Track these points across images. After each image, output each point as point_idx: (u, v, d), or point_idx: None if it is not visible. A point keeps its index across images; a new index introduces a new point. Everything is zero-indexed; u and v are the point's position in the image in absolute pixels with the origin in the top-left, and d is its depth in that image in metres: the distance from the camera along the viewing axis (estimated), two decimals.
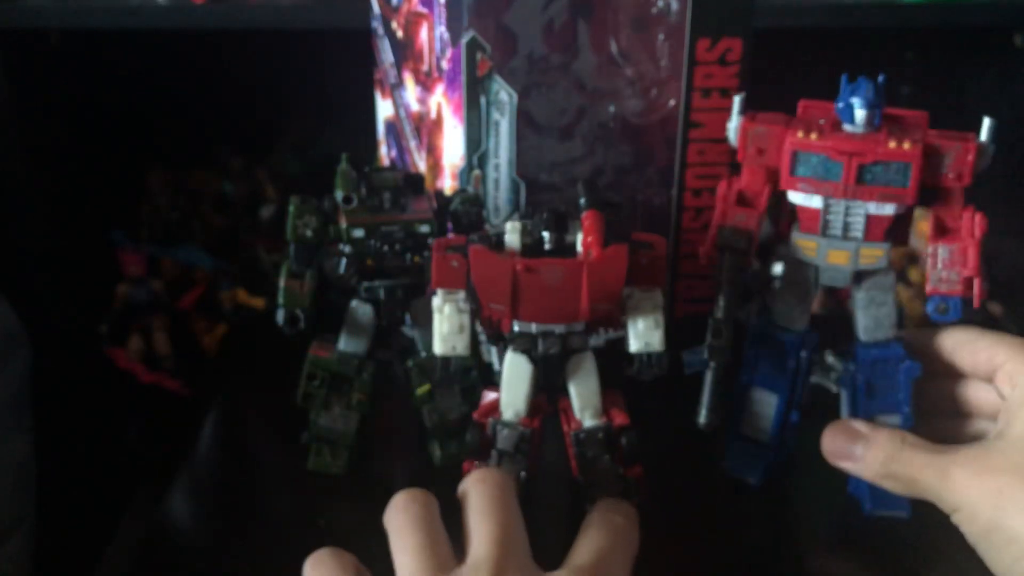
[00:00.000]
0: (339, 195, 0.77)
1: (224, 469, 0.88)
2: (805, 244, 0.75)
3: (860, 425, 0.73)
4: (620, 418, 0.74)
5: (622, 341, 0.73)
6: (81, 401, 1.42)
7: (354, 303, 0.82)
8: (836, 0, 1.23)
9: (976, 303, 0.74)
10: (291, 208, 0.79)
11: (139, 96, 1.55)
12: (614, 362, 0.74)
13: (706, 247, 0.76)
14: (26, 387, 1.10)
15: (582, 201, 0.74)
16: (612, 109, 0.87)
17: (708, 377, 0.76)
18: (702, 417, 0.76)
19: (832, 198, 0.73)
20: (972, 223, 0.73)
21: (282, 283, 0.79)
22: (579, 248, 0.70)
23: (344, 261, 0.79)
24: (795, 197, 0.74)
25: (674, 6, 0.84)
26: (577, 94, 0.86)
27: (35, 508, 1.09)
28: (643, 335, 0.72)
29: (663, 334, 0.72)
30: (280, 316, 0.79)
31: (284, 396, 0.84)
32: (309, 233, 0.79)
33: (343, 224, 0.78)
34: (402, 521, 0.61)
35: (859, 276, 0.76)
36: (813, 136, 0.72)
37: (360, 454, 0.84)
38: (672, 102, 0.86)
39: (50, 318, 1.32)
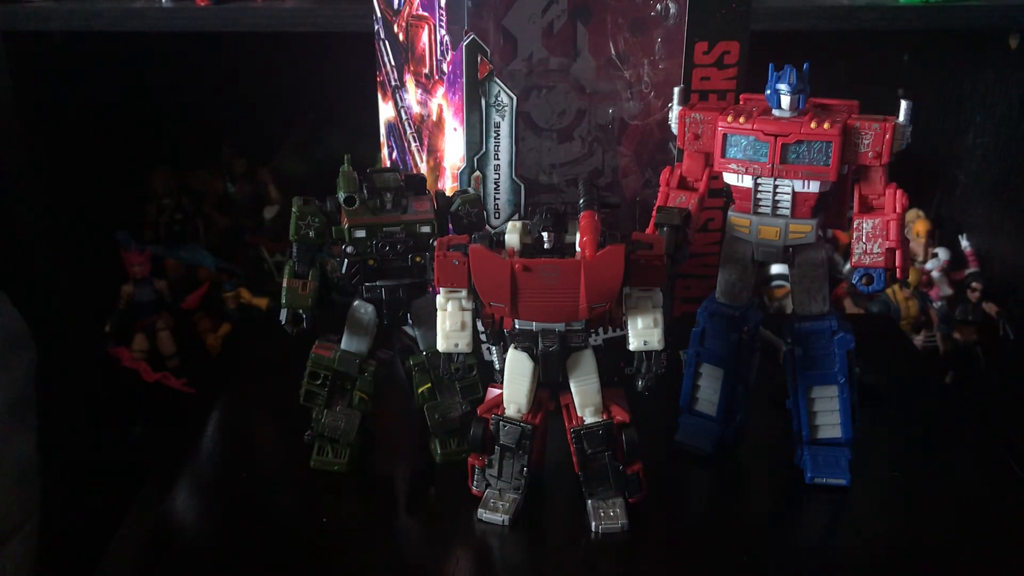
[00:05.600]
0: (341, 196, 0.78)
1: (228, 467, 0.89)
2: (739, 222, 0.80)
3: None
4: (620, 415, 0.75)
5: (623, 339, 0.74)
6: (85, 400, 1.43)
7: (356, 303, 0.83)
8: (833, 3, 1.24)
9: (899, 274, 0.77)
10: (294, 209, 0.80)
11: (143, 98, 1.56)
12: (614, 360, 0.75)
13: (649, 227, 0.80)
14: (31, 387, 1.11)
15: (581, 201, 0.75)
16: (611, 111, 0.88)
17: None
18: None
19: (761, 177, 0.77)
20: (894, 199, 0.76)
21: (285, 283, 0.80)
22: (578, 248, 0.71)
23: (346, 261, 0.80)
24: (728, 178, 0.79)
25: (672, 9, 0.85)
26: (576, 96, 0.86)
27: (39, 506, 1.10)
28: (642, 334, 0.73)
29: (662, 333, 0.72)
30: (283, 316, 0.80)
31: (287, 395, 0.85)
32: (312, 233, 0.79)
33: (345, 225, 0.79)
34: None
35: (791, 252, 0.80)
36: (741, 120, 0.76)
37: (362, 452, 0.85)
38: (670, 104, 0.87)
39: (55, 318, 1.33)
